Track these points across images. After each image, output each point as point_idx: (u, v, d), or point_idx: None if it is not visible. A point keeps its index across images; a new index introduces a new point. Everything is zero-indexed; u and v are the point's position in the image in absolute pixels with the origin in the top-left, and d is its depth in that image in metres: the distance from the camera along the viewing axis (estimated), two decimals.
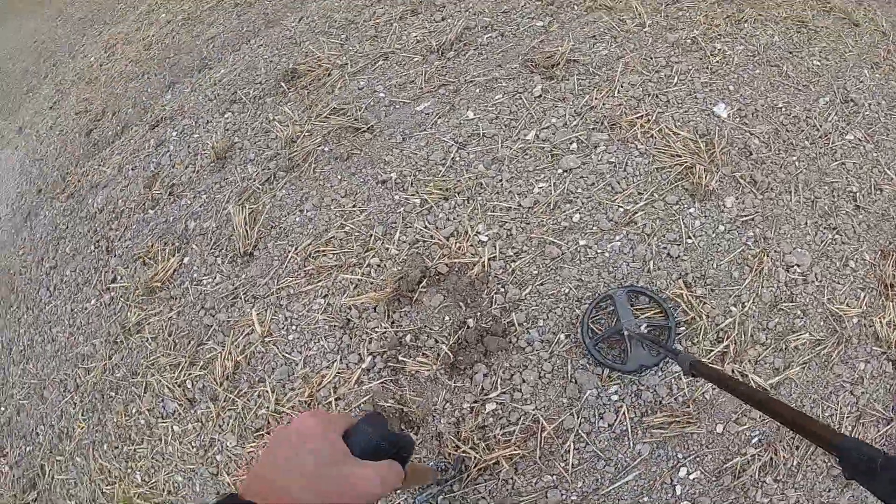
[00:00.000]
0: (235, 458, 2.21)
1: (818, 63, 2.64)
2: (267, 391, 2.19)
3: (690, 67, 2.49)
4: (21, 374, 2.99)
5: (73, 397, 2.68)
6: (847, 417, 2.07)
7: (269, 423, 2.17)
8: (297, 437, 0.77)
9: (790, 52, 2.60)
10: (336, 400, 2.11)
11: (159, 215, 2.82)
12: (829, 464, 2.04)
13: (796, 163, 2.32)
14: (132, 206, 2.96)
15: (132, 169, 3.14)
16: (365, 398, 2.09)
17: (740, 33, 2.62)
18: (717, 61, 2.52)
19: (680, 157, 2.25)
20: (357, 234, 2.31)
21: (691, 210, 2.19)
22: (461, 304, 2.10)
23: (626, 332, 1.97)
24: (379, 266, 2.23)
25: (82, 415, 2.62)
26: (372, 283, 2.20)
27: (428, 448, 2.03)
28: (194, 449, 2.28)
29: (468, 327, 2.06)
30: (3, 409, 2.98)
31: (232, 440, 2.21)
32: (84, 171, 3.44)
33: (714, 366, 1.87)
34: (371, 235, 2.28)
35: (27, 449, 2.78)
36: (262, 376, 2.23)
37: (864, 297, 2.15)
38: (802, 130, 2.40)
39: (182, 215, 2.73)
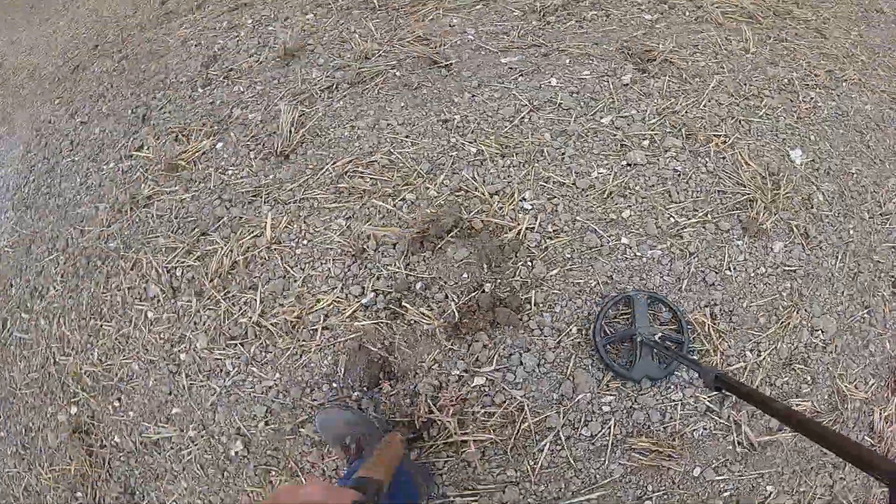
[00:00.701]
0: (200, 362, 2.11)
1: None
2: (255, 300, 2.09)
3: (779, 106, 2.38)
4: (16, 222, 2.90)
5: (59, 256, 2.59)
6: (817, 498, 2.00)
7: (246, 333, 2.07)
8: None
9: (877, 125, 2.48)
10: (323, 329, 2.01)
11: (207, 95, 2.71)
12: None
13: (851, 231, 2.22)
14: (184, 80, 2.85)
15: (195, 45, 3.02)
16: (353, 335, 1.99)
17: (836, 90, 2.50)
18: (807, 109, 2.40)
19: (744, 187, 2.15)
20: (401, 164, 2.20)
21: (739, 243, 2.08)
22: (484, 265, 1.99)
23: (638, 338, 1.87)
24: (413, 203, 2.12)
25: (61, 277, 2.52)
26: (400, 219, 2.09)
27: (399, 404, 1.93)
28: (161, 341, 2.18)
29: (484, 291, 1.96)
30: None
31: (203, 341, 2.11)
32: (147, 38, 3.32)
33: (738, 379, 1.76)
34: (415, 171, 2.17)
35: None
36: (255, 283, 2.12)
37: (874, 384, 2.08)
38: (866, 202, 2.29)
39: (230, 101, 2.62)
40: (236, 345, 2.07)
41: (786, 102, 2.39)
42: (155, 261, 2.28)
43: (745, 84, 2.41)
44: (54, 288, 2.50)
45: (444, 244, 2.01)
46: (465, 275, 1.98)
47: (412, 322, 1.96)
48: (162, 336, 2.18)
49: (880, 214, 2.29)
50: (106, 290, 2.35)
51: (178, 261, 2.25)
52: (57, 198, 2.81)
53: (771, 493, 1.95)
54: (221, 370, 2.08)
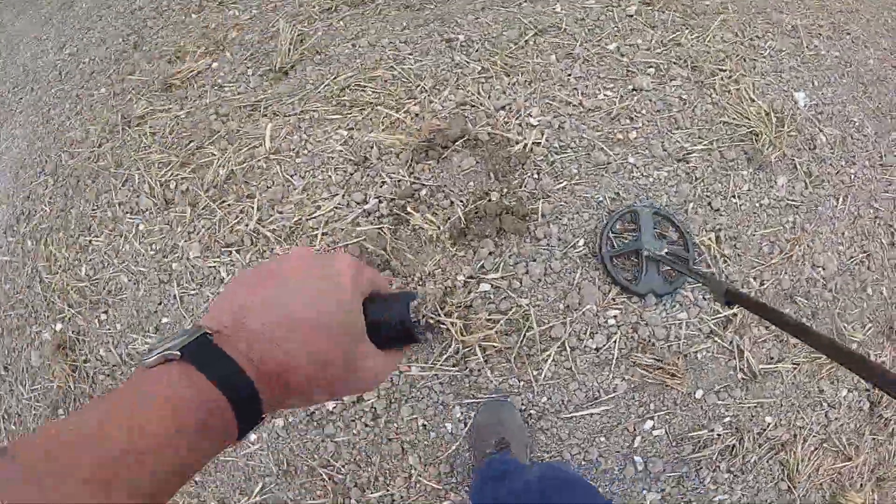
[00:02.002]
0: (191, 271, 2.10)
1: None
2: (252, 208, 2.07)
3: (783, 49, 2.41)
4: (2, 152, 2.87)
5: (48, 180, 2.56)
6: (812, 436, 2.02)
7: (242, 241, 2.05)
8: (319, 279, 0.52)
9: (879, 79, 2.52)
10: (323, 234, 2.00)
11: (201, 21, 2.68)
12: (780, 475, 1.99)
13: (853, 176, 2.25)
14: (176, 7, 2.80)
15: None
16: (355, 240, 1.96)
17: (840, 41, 2.54)
18: (811, 55, 2.43)
19: (749, 120, 2.16)
20: (405, 80, 2.18)
21: (744, 172, 2.10)
22: (491, 174, 1.98)
23: (644, 253, 1.87)
24: (418, 116, 2.10)
25: (50, 199, 2.50)
26: (406, 128, 2.07)
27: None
28: (153, 251, 2.18)
29: (490, 200, 1.94)
30: None
31: (196, 250, 2.11)
32: None
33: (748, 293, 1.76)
34: (419, 86, 2.16)
35: None
36: (252, 192, 2.11)
37: (870, 328, 2.11)
38: (867, 151, 2.33)
39: (226, 24, 2.60)
40: (231, 252, 2.06)
41: (790, 46, 2.42)
42: (148, 175, 2.25)
43: (750, 25, 2.42)
44: (42, 210, 2.49)
45: (450, 153, 1.99)
46: (471, 183, 1.97)
47: (417, 228, 1.95)
48: (154, 247, 2.18)
49: (881, 165, 2.33)
50: (96, 207, 2.34)
51: (172, 174, 2.23)
52: (45, 124, 2.78)
53: (769, 423, 1.97)
54: (215, 278, 2.07)
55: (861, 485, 2.08)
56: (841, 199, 2.18)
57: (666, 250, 1.89)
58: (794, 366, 2.00)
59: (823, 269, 2.08)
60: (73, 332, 2.22)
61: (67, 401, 2.20)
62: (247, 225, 2.04)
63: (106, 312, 2.19)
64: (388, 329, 0.62)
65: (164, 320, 2.09)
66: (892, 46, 2.67)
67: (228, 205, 2.10)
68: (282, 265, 0.53)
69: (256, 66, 2.36)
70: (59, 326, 2.26)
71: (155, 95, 2.46)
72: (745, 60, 2.31)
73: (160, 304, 2.11)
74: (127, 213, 2.25)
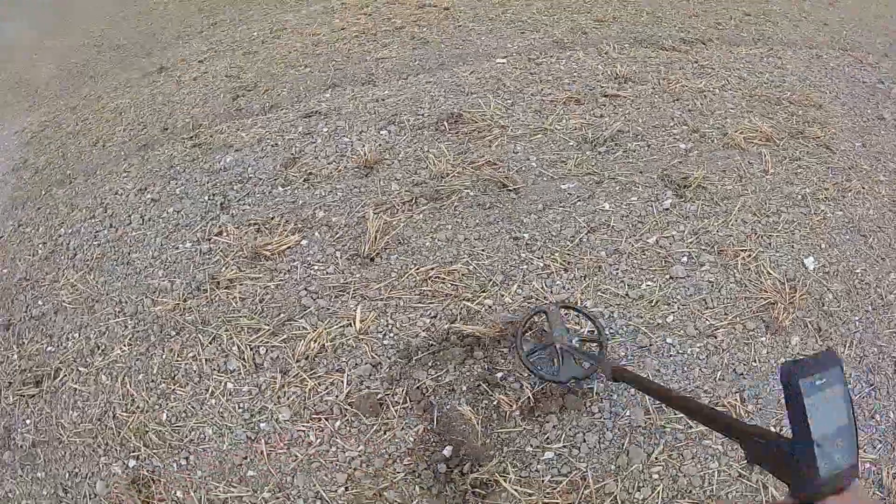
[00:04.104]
0: (280, 432, 2.42)
1: None
2: (342, 381, 2.49)
3: (794, 220, 3.08)
4: (77, 281, 3.28)
5: (127, 320, 2.95)
6: None
7: (332, 411, 2.44)
8: None
9: (879, 227, 3.17)
10: (408, 410, 2.48)
11: (288, 195, 3.35)
12: None
13: (856, 322, 2.85)
14: (262, 177, 3.49)
15: (272, 145, 3.68)
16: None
17: (843, 200, 3.21)
18: (818, 220, 3.10)
19: (766, 293, 2.81)
20: (479, 274, 2.85)
21: (763, 339, 2.72)
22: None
23: (557, 346, 2.43)
24: (491, 307, 2.76)
25: (129, 340, 2.85)
26: (482, 319, 2.72)
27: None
28: (240, 410, 2.50)
29: (555, 383, 2.56)
30: (41, 302, 3.26)
31: (286, 414, 2.45)
32: (219, 130, 3.98)
33: (632, 370, 2.33)
34: (491, 280, 2.82)
35: (48, 349, 3.00)
36: (342, 367, 2.54)
37: (880, 447, 2.60)
38: (869, 296, 2.93)
39: (312, 203, 3.27)
40: (321, 419, 2.42)
41: (800, 216, 3.09)
42: (237, 337, 2.67)
43: (766, 203, 3.11)
44: (120, 349, 2.83)
45: (521, 342, 2.60)
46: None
47: (493, 404, 2.51)
48: (241, 405, 2.50)
49: (882, 306, 2.92)
50: (180, 359, 2.69)
51: (261, 341, 2.65)
52: (126, 266, 3.25)
53: None
54: (304, 441, 2.39)
55: None
56: (847, 345, 2.77)
57: (577, 339, 2.48)
58: None
59: None
60: (147, 470, 2.46)
61: None
62: (336, 396, 2.52)
63: (187, 459, 2.45)
64: None
65: (251, 473, 2.37)
66: (890, 193, 3.35)
67: (319, 375, 2.52)
68: None
69: (344, 249, 3.01)
70: (132, 463, 2.50)
71: (244, 262, 3.02)
72: (762, 238, 2.98)
73: (245, 458, 2.39)
74: (214, 370, 2.61)
